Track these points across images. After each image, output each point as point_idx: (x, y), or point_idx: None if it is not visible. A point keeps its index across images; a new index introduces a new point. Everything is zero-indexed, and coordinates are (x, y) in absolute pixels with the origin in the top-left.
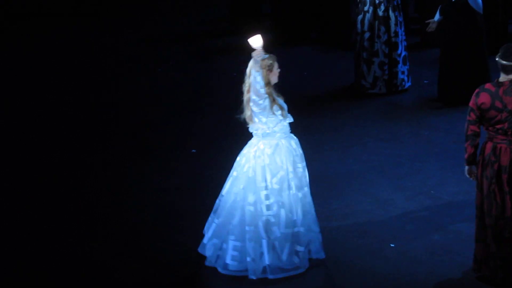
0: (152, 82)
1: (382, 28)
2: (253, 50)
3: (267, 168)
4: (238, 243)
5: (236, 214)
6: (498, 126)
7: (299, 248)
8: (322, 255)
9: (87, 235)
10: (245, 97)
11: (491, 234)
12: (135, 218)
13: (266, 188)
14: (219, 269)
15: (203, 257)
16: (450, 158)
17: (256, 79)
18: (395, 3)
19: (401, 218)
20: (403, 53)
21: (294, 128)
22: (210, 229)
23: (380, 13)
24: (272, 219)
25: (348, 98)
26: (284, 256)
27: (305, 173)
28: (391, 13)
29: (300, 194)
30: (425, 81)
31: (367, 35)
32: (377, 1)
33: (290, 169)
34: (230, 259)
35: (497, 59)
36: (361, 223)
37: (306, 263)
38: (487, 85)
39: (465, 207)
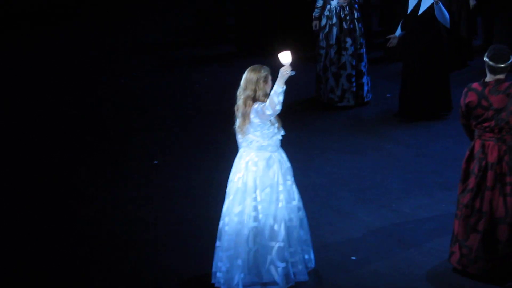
0: (115, 93)
1: (349, 40)
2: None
3: (258, 180)
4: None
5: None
6: (485, 124)
7: (279, 264)
8: (305, 278)
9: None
10: (242, 109)
11: (464, 223)
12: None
13: (255, 199)
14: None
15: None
16: (412, 172)
17: (279, 96)
18: (358, 15)
19: (363, 231)
20: (367, 64)
21: None
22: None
23: (345, 26)
24: (256, 231)
25: (313, 111)
26: (263, 269)
27: (293, 186)
28: (356, 24)
29: (288, 208)
30: (388, 95)
31: (334, 48)
32: (342, 15)
33: (281, 181)
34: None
35: (485, 59)
36: (322, 236)
37: (284, 281)
38: (474, 85)
39: (426, 220)
